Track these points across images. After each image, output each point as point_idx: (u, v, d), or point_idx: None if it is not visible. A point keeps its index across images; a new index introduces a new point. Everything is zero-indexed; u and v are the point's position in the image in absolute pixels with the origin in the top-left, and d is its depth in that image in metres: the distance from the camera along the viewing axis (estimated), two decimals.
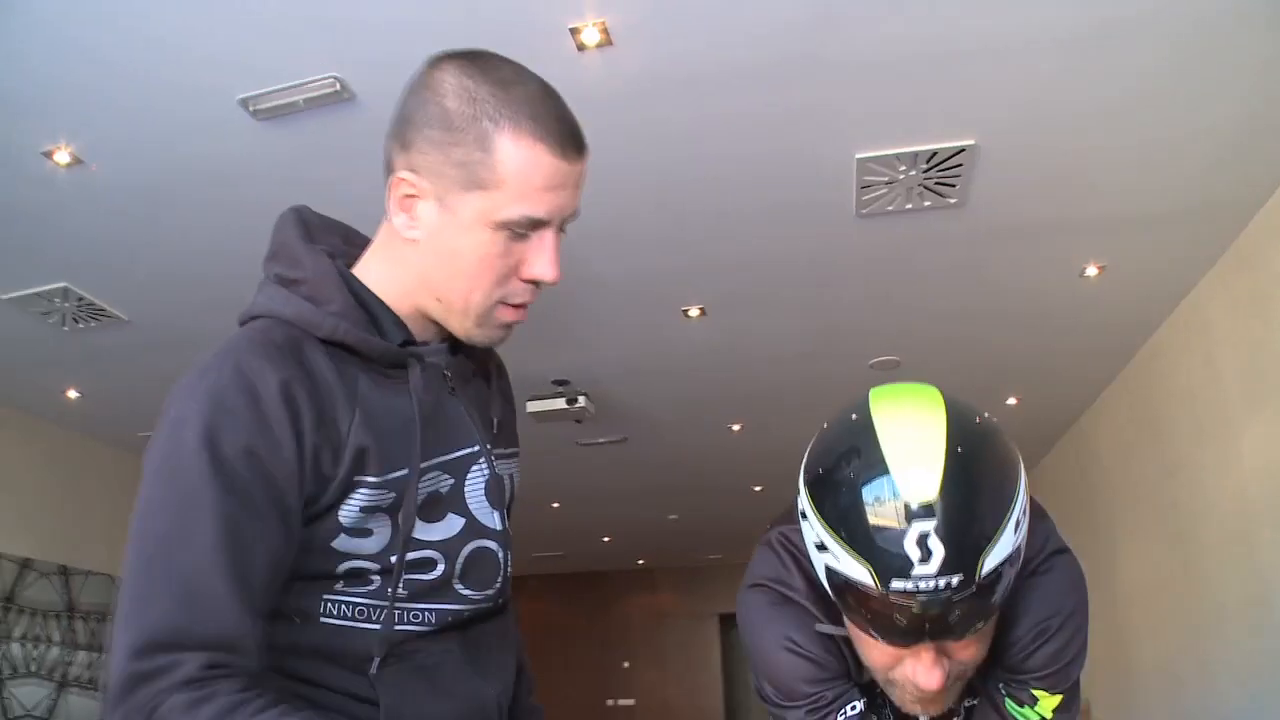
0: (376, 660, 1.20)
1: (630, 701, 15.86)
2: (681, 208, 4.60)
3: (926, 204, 4.51)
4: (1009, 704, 1.31)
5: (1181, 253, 5.34)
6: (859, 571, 1.04)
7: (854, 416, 1.11)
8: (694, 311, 5.63)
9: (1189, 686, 6.57)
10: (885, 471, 1.03)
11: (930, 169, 4.22)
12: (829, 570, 1.09)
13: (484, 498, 1.31)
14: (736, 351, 6.19)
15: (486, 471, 1.32)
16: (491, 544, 1.32)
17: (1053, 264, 5.34)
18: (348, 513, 1.16)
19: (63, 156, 3.93)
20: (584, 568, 15.49)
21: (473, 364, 1.37)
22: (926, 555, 1.00)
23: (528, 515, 11.17)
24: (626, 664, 15.84)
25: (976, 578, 1.02)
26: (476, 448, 1.31)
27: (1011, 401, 7.75)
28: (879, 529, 1.02)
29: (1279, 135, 4.22)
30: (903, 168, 4.21)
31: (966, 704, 1.48)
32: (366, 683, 1.20)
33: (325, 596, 1.19)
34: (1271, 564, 5.22)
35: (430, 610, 1.25)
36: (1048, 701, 1.30)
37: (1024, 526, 1.09)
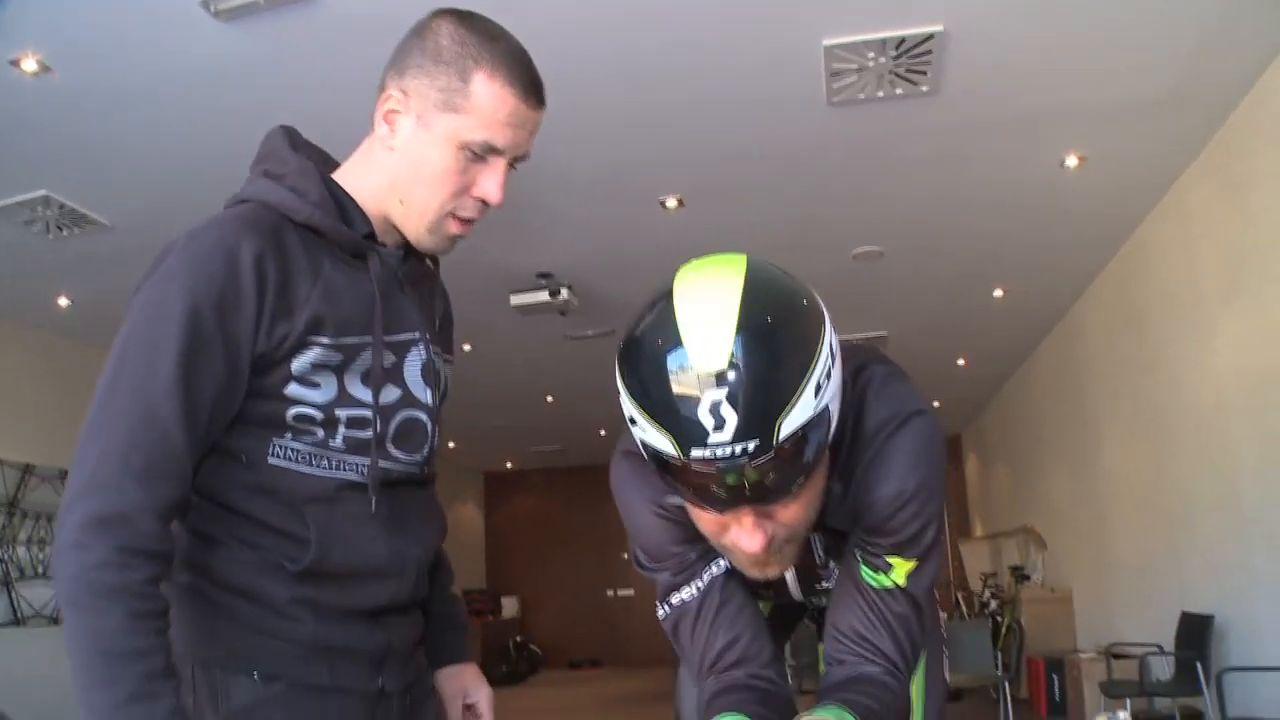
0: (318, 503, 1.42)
1: (629, 592, 16.18)
2: (653, 98, 4.57)
3: (899, 92, 4.48)
4: (864, 570, 1.32)
5: (1163, 144, 5.31)
6: (662, 441, 1.06)
7: (657, 295, 1.11)
8: (672, 203, 5.62)
9: (1160, 575, 6.71)
10: (678, 342, 1.04)
11: (900, 56, 4.18)
12: (642, 443, 1.11)
13: (420, 376, 1.52)
14: (717, 243, 5.98)
15: (424, 355, 1.53)
16: (422, 415, 1.53)
17: (1032, 154, 5.31)
18: (300, 365, 1.37)
19: (30, 65, 3.92)
20: (582, 461, 15.65)
21: (421, 272, 1.59)
22: (720, 423, 1.01)
23: (524, 410, 11.34)
24: (626, 555, 16.07)
25: (774, 442, 1.03)
26: (416, 334, 1.52)
27: (998, 293, 7.76)
28: (674, 398, 1.03)
29: (1259, 23, 4.17)
30: (871, 55, 4.17)
31: (827, 575, 1.51)
32: (301, 521, 1.40)
33: (275, 440, 1.40)
34: (1242, 457, 5.29)
35: (363, 464, 1.45)
36: (902, 567, 1.30)
37: (829, 389, 1.09)
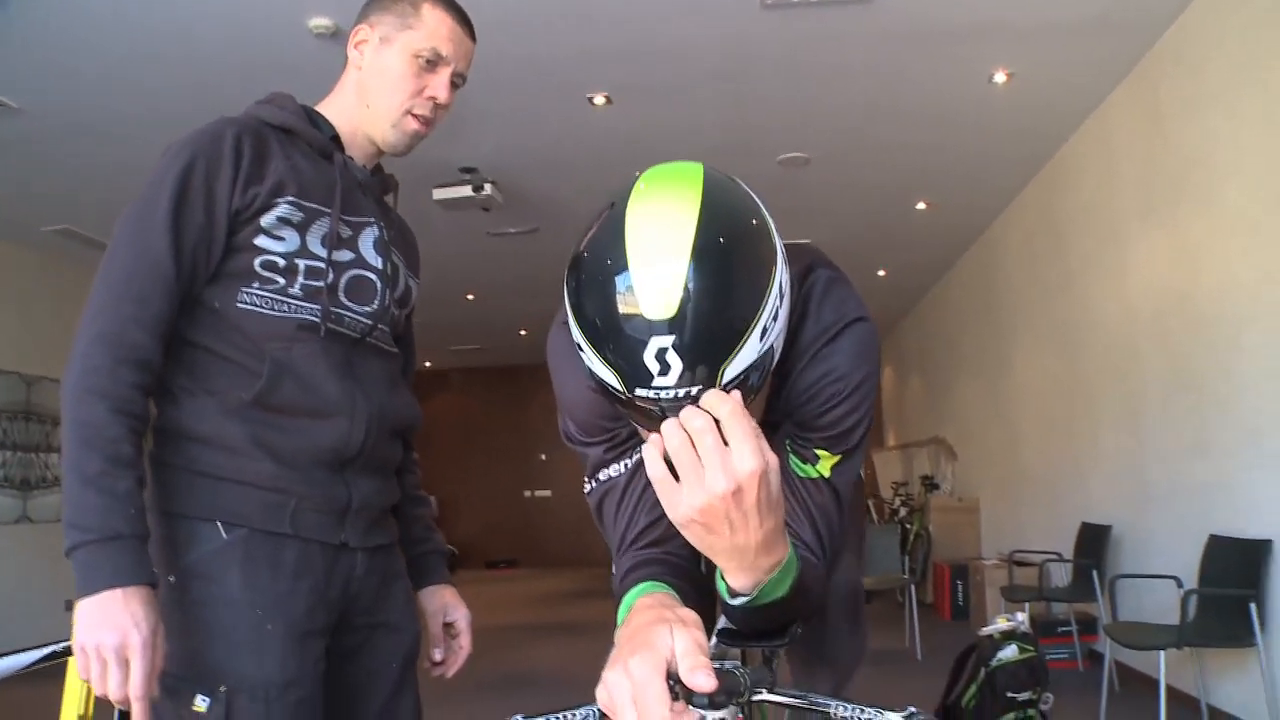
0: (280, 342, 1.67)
1: (547, 493, 16.32)
2: None
3: None
4: (793, 460, 1.34)
5: (1090, 66, 5.34)
6: (606, 375, 1.06)
7: (611, 211, 1.07)
8: (599, 100, 5.52)
9: (1064, 487, 6.91)
10: (628, 282, 1.01)
11: None
12: (588, 369, 1.10)
13: (372, 247, 1.82)
14: (645, 143, 6.11)
15: (377, 233, 1.83)
16: (372, 275, 1.80)
17: (961, 68, 5.31)
18: (268, 220, 1.67)
19: None
20: (502, 361, 15.64)
21: (382, 191, 1.94)
22: (665, 368, 1.01)
23: (444, 308, 11.23)
24: (544, 456, 16.19)
25: (718, 384, 1.04)
26: (373, 219, 1.83)
27: (921, 206, 7.81)
28: (621, 337, 1.02)
29: None
30: None
31: None
32: (260, 356, 1.65)
33: (242, 289, 1.66)
34: (1147, 375, 5.43)
35: (319, 308, 1.70)
36: (827, 461, 1.33)
37: (775, 329, 1.09)
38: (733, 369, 1.04)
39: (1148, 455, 5.45)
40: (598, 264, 1.05)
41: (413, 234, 2.07)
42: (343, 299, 1.74)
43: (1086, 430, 6.42)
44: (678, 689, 0.95)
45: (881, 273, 10.09)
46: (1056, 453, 7.07)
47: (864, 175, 7.01)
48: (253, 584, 1.61)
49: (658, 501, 1.38)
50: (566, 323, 1.38)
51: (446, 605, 2.03)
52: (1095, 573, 5.72)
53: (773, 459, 1.00)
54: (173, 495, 1.64)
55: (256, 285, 1.66)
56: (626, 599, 1.19)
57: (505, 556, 16.13)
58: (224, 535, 1.62)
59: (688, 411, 0.98)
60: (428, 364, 16.19)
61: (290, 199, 1.68)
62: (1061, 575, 6.47)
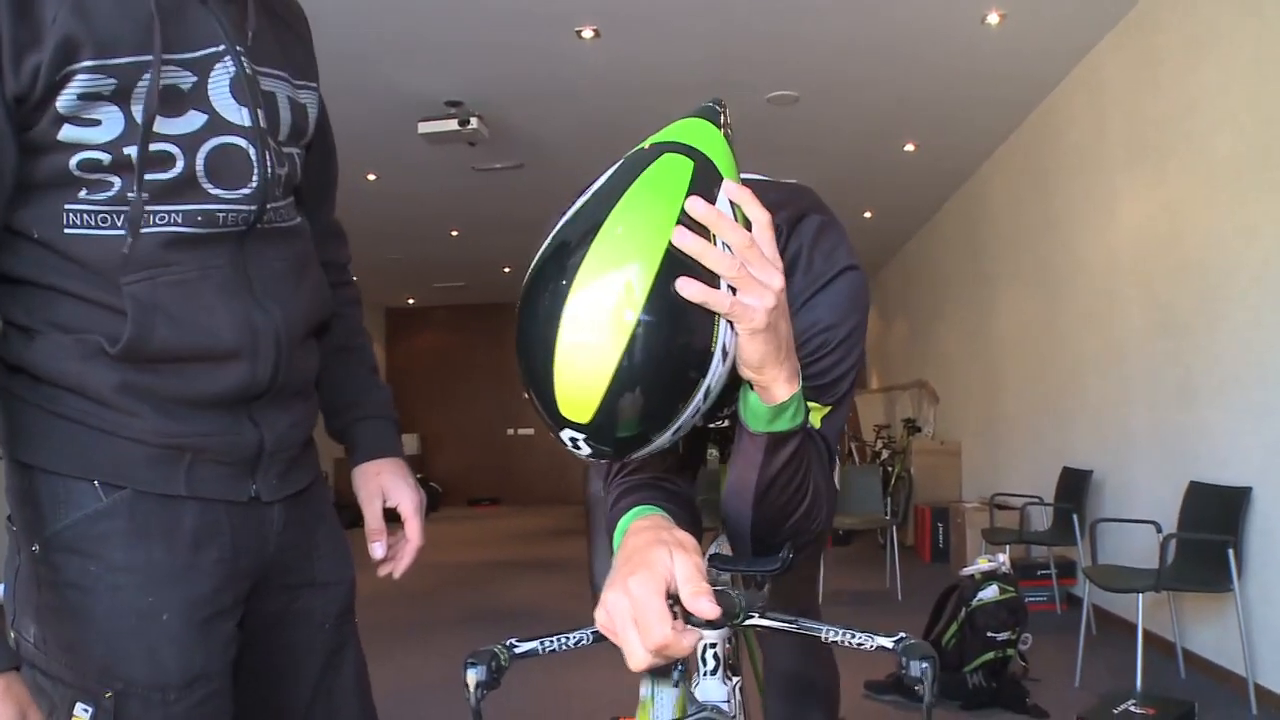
0: (129, 269, 1.24)
1: (529, 431, 16.31)
2: None
3: None
4: None
5: (1083, 10, 5.28)
6: (538, 406, 1.06)
7: (554, 283, 1.01)
8: (588, 33, 5.43)
9: (1046, 431, 6.94)
10: (549, 375, 1.00)
11: None
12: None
13: (229, 94, 1.30)
14: (633, 77, 6.03)
15: (233, 69, 1.31)
16: (239, 140, 1.31)
17: (955, 9, 5.22)
18: (66, 101, 1.17)
19: None
20: (486, 299, 15.57)
21: None
22: (578, 447, 1.04)
23: (428, 243, 11.14)
24: (526, 394, 16.16)
25: (643, 451, 1.07)
26: (222, 47, 1.30)
27: (909, 148, 7.75)
28: (540, 405, 1.03)
29: None
30: None
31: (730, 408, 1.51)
32: (117, 294, 1.23)
33: (67, 206, 1.22)
34: (1130, 321, 5.43)
35: (177, 211, 1.26)
36: (817, 412, 1.32)
37: (717, 386, 1.06)
38: (661, 438, 1.06)
39: (1130, 401, 5.47)
40: (529, 335, 1.03)
41: (295, 8, 1.52)
42: (208, 188, 1.28)
43: (1069, 375, 6.43)
44: (676, 609, 0.96)
45: (868, 214, 10.04)
46: (1039, 397, 7.09)
47: (853, 115, 6.94)
48: (141, 561, 1.27)
49: None
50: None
51: (386, 487, 1.61)
52: (1075, 517, 5.76)
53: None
54: (31, 442, 1.27)
55: (84, 194, 1.22)
56: (621, 523, 1.19)
57: (487, 494, 16.17)
58: (102, 498, 1.26)
59: (728, 232, 1.01)
60: (410, 300, 16.11)
61: (89, 62, 1.17)
62: (1042, 519, 6.52)
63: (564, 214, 1.06)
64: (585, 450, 1.03)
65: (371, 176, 8.09)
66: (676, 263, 0.99)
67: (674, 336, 1.00)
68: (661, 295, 0.99)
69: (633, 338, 0.98)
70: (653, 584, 0.93)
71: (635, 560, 0.96)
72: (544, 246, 1.06)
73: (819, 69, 6.06)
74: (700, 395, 1.04)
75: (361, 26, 5.21)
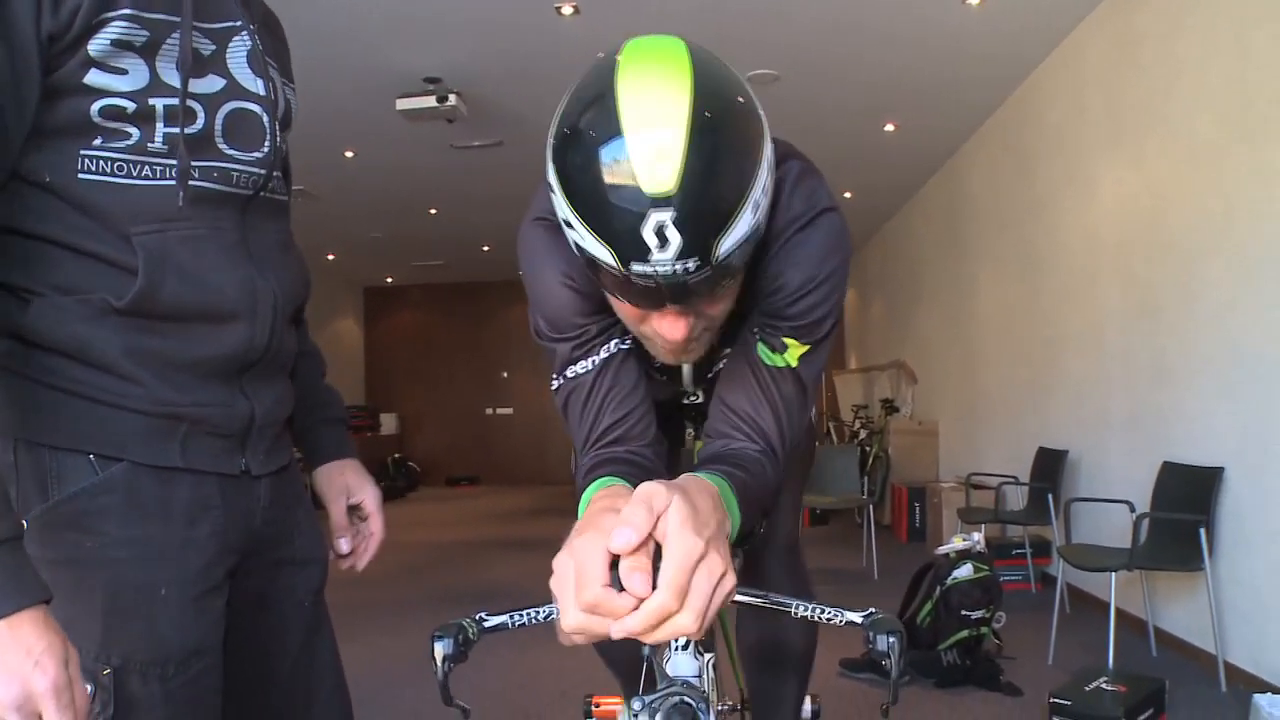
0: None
1: (508, 410, 16.30)
2: None
3: None
4: (761, 348, 1.35)
5: None
6: (601, 251, 1.05)
7: (599, 83, 1.05)
8: (567, 9, 5.40)
9: (1023, 412, 6.97)
10: (624, 155, 1.00)
11: None
12: (576, 245, 1.10)
13: (246, 64, 1.37)
14: None
15: (249, 42, 1.37)
16: (254, 106, 1.37)
17: None
18: (99, 45, 1.19)
19: None
20: (465, 278, 15.52)
21: None
22: (664, 243, 1.02)
23: (406, 221, 11.09)
24: (505, 374, 16.16)
25: (713, 260, 1.05)
26: (240, 22, 1.37)
27: (890, 128, 7.76)
28: (618, 212, 1.02)
29: None
30: None
31: (723, 354, 1.52)
32: (128, 246, 1.24)
33: (82, 151, 1.22)
34: (1108, 302, 5.46)
35: (194, 166, 1.28)
36: (796, 350, 1.35)
37: (764, 204, 1.10)
38: (728, 243, 1.06)
39: (1107, 381, 5.50)
40: (589, 143, 1.03)
41: (275, 19, 1.58)
42: (223, 147, 1.32)
43: (1046, 356, 6.46)
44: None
45: (848, 194, 10.04)
46: (1016, 378, 7.13)
47: (833, 94, 6.93)
48: (139, 535, 1.27)
49: (623, 399, 1.42)
50: (540, 219, 1.38)
51: (350, 485, 1.67)
52: (1050, 496, 5.80)
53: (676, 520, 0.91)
54: (27, 416, 1.25)
55: (100, 142, 1.22)
56: (585, 494, 1.18)
57: (466, 473, 16.15)
58: (97, 472, 1.25)
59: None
60: (389, 279, 16.04)
61: (127, 11, 1.19)
62: (1017, 498, 6.57)
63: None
64: (674, 242, 1.02)
65: (349, 153, 8.04)
66: (700, 50, 1.07)
67: (730, 89, 1.06)
68: (700, 59, 1.06)
69: (694, 82, 1.03)
70: (599, 543, 0.90)
71: (585, 525, 0.95)
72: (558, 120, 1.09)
73: (799, 48, 6.05)
74: (765, 165, 1.09)
75: (339, 2, 5.16)
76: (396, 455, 15.23)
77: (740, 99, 1.08)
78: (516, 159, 8.12)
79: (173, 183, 1.26)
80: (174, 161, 1.25)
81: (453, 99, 6.35)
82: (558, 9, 5.40)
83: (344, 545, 1.65)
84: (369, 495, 1.67)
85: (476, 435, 16.37)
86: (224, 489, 1.37)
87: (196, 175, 1.28)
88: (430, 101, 6.38)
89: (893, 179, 9.50)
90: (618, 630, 0.88)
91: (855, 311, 14.06)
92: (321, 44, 5.64)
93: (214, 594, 1.35)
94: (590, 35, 5.72)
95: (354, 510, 1.68)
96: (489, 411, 16.45)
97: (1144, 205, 4.99)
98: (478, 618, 1.15)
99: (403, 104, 6.43)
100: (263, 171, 1.37)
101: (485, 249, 13.01)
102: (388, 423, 15.74)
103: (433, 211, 10.73)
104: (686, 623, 0.88)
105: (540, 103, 6.89)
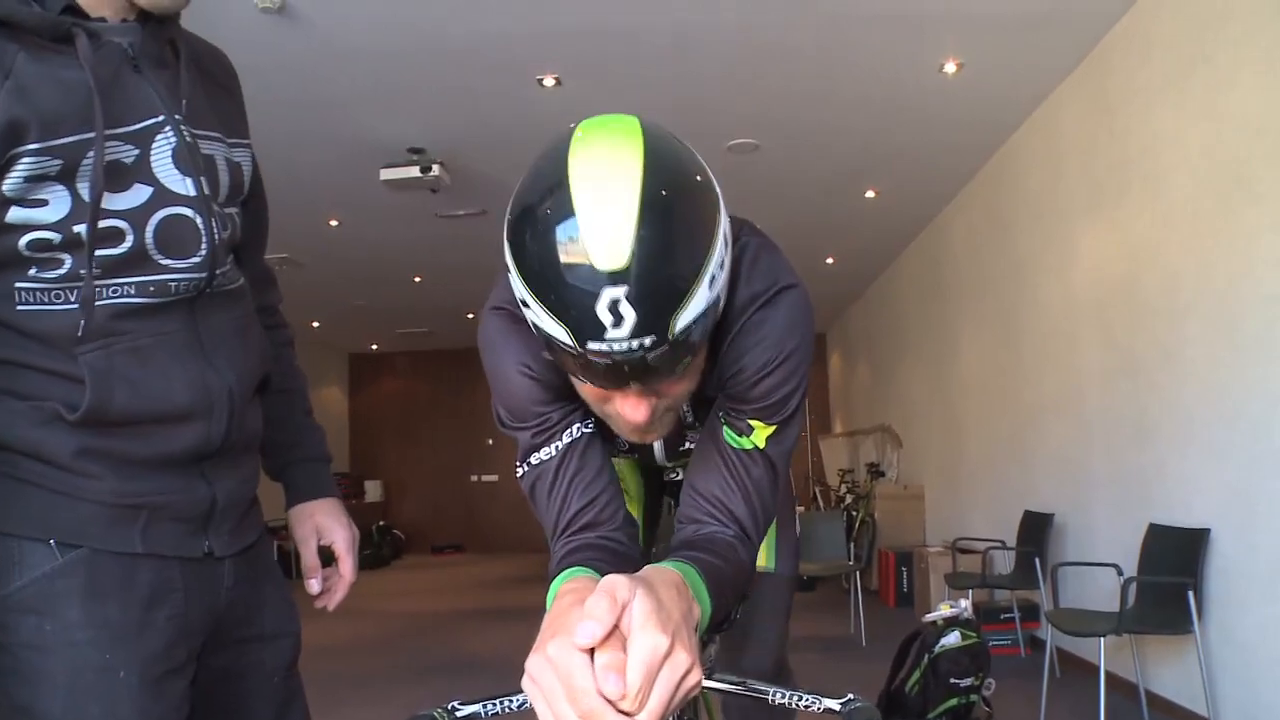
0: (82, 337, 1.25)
1: (493, 477, 16.22)
2: None
3: None
4: (727, 432, 1.34)
5: (1040, 58, 5.37)
6: (557, 330, 1.05)
7: (552, 162, 1.06)
8: (549, 81, 5.47)
9: (1008, 475, 6.97)
10: (576, 233, 1.00)
11: None
12: (534, 325, 1.09)
13: (173, 165, 1.33)
14: None
15: (174, 140, 1.33)
16: (186, 210, 1.34)
17: (913, 57, 5.30)
18: (11, 184, 1.18)
19: None
20: (450, 345, 15.51)
21: (161, 46, 1.37)
22: (619, 320, 1.01)
23: (391, 289, 11.11)
24: (490, 441, 16.10)
25: (670, 336, 1.04)
26: (162, 118, 1.32)
27: (870, 194, 7.83)
28: (571, 291, 1.01)
29: None
30: None
31: (690, 438, 1.51)
32: (74, 362, 1.25)
33: (17, 285, 1.23)
34: (1088, 364, 5.49)
35: (130, 284, 1.28)
36: (762, 431, 1.33)
37: (721, 279, 1.09)
38: (685, 317, 1.05)
39: (1089, 444, 5.51)
40: (542, 221, 1.03)
41: (223, 63, 1.54)
42: (159, 260, 1.30)
43: (1029, 418, 6.48)
44: None
45: (830, 260, 10.12)
46: (1000, 441, 7.14)
47: (814, 163, 7.01)
48: (98, 619, 1.27)
49: (588, 484, 1.39)
50: (498, 308, 1.37)
51: (321, 526, 1.66)
52: (1038, 560, 5.78)
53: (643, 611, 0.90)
54: None
55: (35, 272, 1.23)
56: (553, 587, 1.15)
57: (450, 541, 16.02)
58: (58, 557, 1.26)
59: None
60: (374, 346, 16.03)
61: (33, 146, 1.18)
62: (1005, 563, 6.54)
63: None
64: (629, 319, 1.01)
65: (334, 222, 8.08)
66: (653, 127, 1.07)
67: (682, 164, 1.07)
68: (653, 136, 1.06)
69: (645, 158, 1.03)
70: (577, 651, 0.88)
71: (555, 624, 0.93)
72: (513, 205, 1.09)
73: (778, 117, 6.13)
74: (721, 239, 1.08)
75: (324, 73, 5.21)
76: (381, 523, 15.10)
77: (696, 175, 1.08)
78: (500, 228, 8.07)
79: (112, 302, 1.26)
80: (113, 280, 1.26)
81: (436, 169, 6.40)
82: (539, 80, 5.47)
83: (314, 586, 1.66)
84: (339, 538, 1.66)
85: (461, 502, 16.27)
86: (186, 572, 1.37)
87: (133, 292, 1.28)
88: (414, 171, 6.42)
89: (874, 244, 9.58)
90: None
91: (840, 375, 14.10)
92: (307, 114, 5.69)
93: (175, 676, 1.34)
94: (571, 106, 5.78)
95: (324, 551, 1.68)
96: (474, 479, 16.37)
97: (1122, 267, 5.03)
98: (450, 707, 1.12)
99: (387, 174, 6.47)
100: (203, 275, 1.36)
101: (469, 316, 13.03)
102: (372, 490, 15.64)
103: (417, 279, 10.76)
104: None
105: (523, 172, 6.93)
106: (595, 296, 1.00)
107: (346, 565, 1.67)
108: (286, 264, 9.06)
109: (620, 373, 1.08)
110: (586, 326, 1.02)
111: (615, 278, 0.99)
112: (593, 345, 1.03)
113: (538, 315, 1.06)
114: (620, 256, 0.99)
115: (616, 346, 1.03)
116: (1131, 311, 4.96)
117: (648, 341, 1.03)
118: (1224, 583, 4.19)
